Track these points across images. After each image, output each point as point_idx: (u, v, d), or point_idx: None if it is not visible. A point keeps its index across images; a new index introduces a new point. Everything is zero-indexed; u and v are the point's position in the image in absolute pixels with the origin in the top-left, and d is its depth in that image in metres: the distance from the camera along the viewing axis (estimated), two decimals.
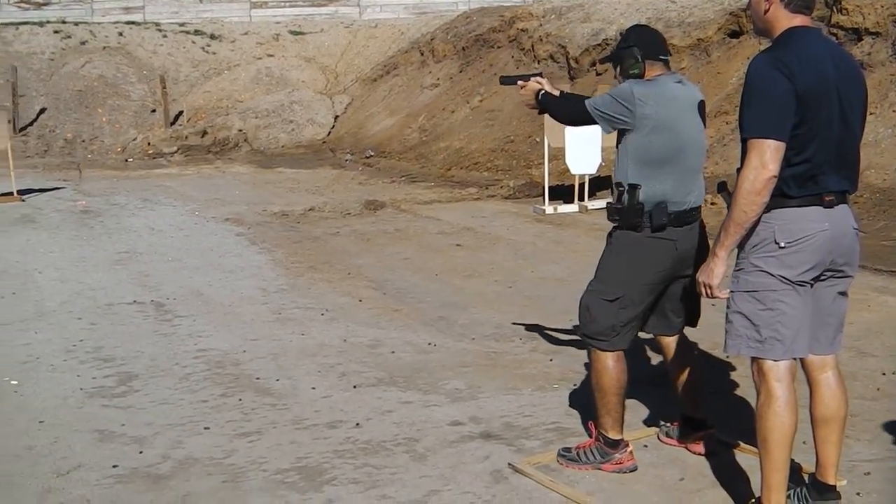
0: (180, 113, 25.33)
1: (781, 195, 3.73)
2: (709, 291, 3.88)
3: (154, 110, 25.41)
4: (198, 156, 22.28)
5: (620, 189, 4.57)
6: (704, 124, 4.70)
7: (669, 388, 5.13)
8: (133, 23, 29.71)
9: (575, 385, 6.05)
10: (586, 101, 4.69)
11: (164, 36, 29.09)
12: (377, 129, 23.13)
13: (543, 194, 13.37)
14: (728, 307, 3.95)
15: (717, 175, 12.70)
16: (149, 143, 23.31)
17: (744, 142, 3.74)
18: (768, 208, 3.75)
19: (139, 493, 4.71)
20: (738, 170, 3.85)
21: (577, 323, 4.89)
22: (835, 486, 4.17)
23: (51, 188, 17.18)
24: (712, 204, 10.17)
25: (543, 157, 13.68)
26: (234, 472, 4.91)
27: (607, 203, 4.75)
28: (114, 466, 5.01)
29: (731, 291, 3.88)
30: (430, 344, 7.14)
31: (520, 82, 5.09)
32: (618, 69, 4.79)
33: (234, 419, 5.67)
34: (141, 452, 5.18)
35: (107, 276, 9.68)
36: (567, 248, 10.68)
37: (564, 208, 13.05)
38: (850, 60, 4.05)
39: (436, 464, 4.93)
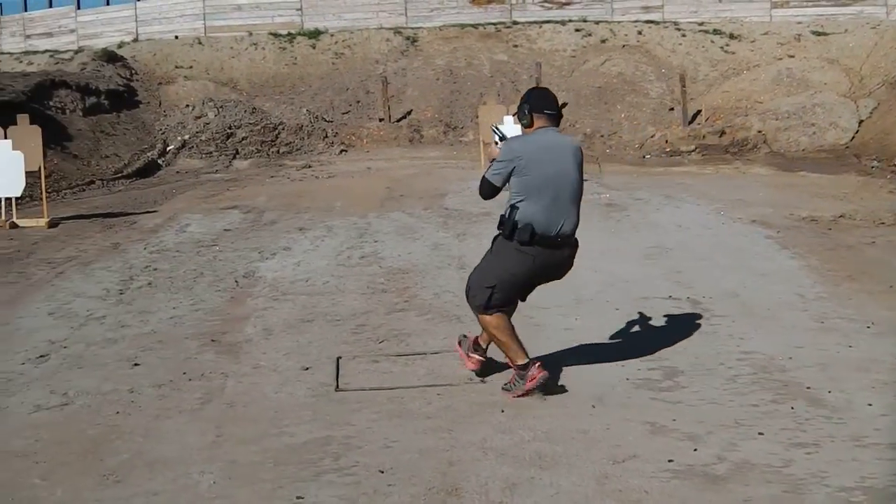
0: (698, 112, 25.24)
1: None
2: None
3: (672, 108, 25.51)
4: (715, 155, 22.08)
5: (507, 209, 5.87)
6: (581, 168, 6.00)
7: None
8: (652, 22, 30.03)
9: None
10: (485, 175, 5.97)
11: (683, 35, 29.13)
12: None
13: None
14: None
15: None
16: (666, 141, 23.44)
17: None
18: None
19: (697, 491, 4.63)
20: None
21: None
22: None
23: None
24: None
25: None
26: (794, 483, 4.69)
27: (501, 215, 5.97)
28: (669, 461, 4.96)
29: None
30: None
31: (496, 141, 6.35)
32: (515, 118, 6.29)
33: (788, 427, 5.43)
34: (695, 450, 5.10)
35: (638, 270, 9.76)
36: None
37: None
38: None
39: None
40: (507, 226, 5.81)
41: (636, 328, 7.57)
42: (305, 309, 8.38)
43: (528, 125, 5.98)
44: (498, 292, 5.84)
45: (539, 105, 5.98)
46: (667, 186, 16.63)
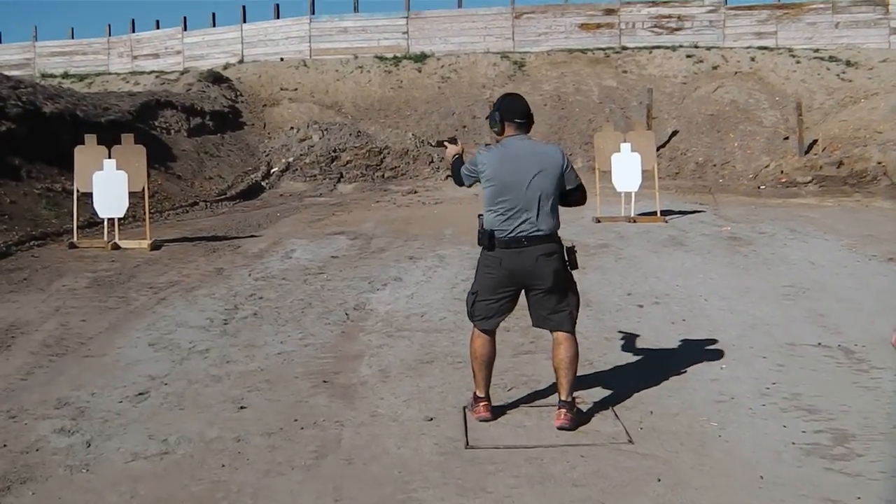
0: (814, 142, 24.21)
1: None
2: None
3: (787, 137, 24.52)
4: (833, 187, 21.04)
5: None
6: (559, 169, 5.98)
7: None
8: (765, 48, 29.15)
9: None
10: (461, 169, 6.31)
11: (798, 62, 28.15)
12: None
13: None
14: None
15: None
16: (782, 171, 22.47)
17: None
18: None
19: None
20: None
21: None
22: None
23: (690, 211, 16.96)
24: None
25: None
26: None
27: None
28: None
29: None
30: None
31: (447, 143, 6.63)
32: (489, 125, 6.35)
33: None
34: None
35: (777, 312, 9.00)
36: None
37: None
38: None
39: None
40: (479, 234, 6.08)
41: (789, 380, 6.81)
42: (423, 348, 7.79)
43: (499, 132, 6.10)
44: (479, 299, 6.06)
45: (510, 114, 6.09)
46: (789, 219, 15.77)
